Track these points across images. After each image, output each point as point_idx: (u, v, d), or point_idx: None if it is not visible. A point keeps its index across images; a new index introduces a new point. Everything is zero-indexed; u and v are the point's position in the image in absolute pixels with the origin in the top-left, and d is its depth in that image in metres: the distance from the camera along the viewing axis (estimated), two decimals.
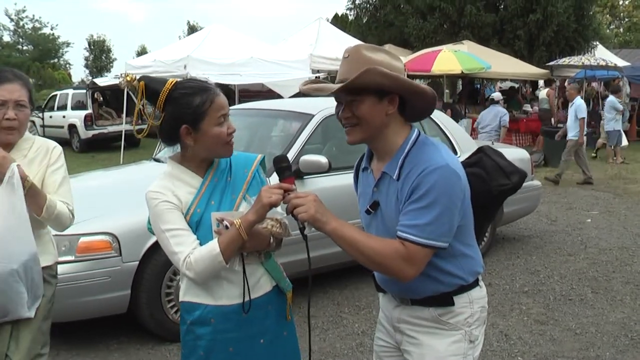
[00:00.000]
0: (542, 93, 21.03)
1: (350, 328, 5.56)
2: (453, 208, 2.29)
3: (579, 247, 8.20)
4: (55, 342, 5.23)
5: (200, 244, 2.52)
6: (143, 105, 2.62)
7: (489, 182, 2.59)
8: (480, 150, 2.74)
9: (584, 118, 13.10)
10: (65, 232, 4.74)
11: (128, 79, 2.60)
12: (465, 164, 2.62)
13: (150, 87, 2.60)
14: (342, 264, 6.11)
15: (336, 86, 2.32)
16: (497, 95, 15.63)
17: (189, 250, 2.49)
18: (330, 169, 5.73)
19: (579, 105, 13.26)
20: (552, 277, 6.97)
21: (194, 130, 2.53)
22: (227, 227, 2.50)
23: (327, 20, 24.35)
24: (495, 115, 14.18)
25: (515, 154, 8.59)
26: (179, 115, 2.54)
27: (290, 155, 5.92)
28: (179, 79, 2.67)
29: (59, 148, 3.46)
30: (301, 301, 6.16)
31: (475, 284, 2.52)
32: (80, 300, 4.79)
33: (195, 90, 2.54)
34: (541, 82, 22.90)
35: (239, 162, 2.75)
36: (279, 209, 2.74)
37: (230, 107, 2.66)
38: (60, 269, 4.67)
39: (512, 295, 6.35)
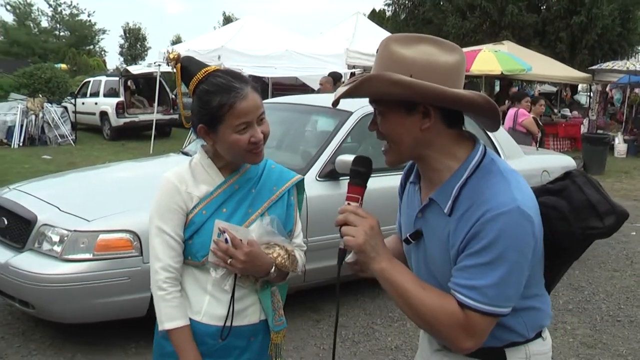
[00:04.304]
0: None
1: (383, 342, 5.20)
2: (523, 263, 1.79)
3: (624, 262, 7.75)
4: (71, 344, 5.00)
5: (195, 249, 2.24)
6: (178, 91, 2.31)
7: (574, 222, 1.96)
8: (568, 175, 2.09)
9: None
10: (85, 229, 4.53)
11: (171, 57, 2.25)
12: (546, 190, 2.07)
13: (188, 70, 2.29)
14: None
15: (339, 92, 1.89)
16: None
17: (168, 269, 2.23)
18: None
19: None
20: (597, 294, 6.54)
21: (212, 132, 2.22)
22: (226, 240, 2.17)
23: (365, 16, 23.94)
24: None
25: (560, 161, 8.18)
26: (197, 113, 2.24)
27: (326, 155, 5.60)
28: (216, 68, 2.31)
29: None
30: (331, 308, 5.93)
31: (538, 335, 2.03)
32: (98, 302, 4.50)
33: (219, 89, 2.17)
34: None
35: (272, 176, 2.41)
36: (299, 239, 2.44)
37: (264, 101, 2.28)
38: (78, 267, 4.46)
39: (556, 313, 5.93)
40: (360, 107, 5.89)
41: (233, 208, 2.29)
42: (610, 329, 5.63)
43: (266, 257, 2.24)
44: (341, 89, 1.92)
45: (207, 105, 2.18)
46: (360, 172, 1.98)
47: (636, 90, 21.85)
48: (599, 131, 19.32)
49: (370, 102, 1.94)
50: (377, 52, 1.91)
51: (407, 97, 1.80)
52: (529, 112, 10.86)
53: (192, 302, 2.29)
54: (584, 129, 19.24)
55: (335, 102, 2.00)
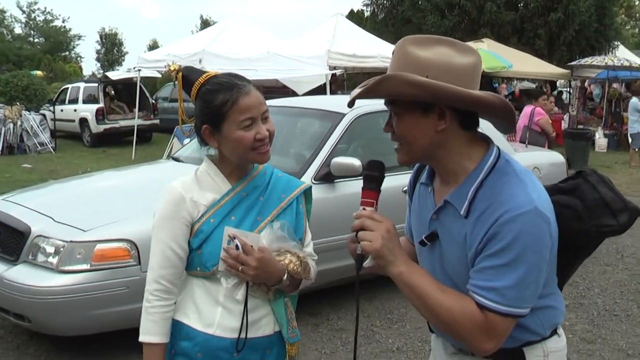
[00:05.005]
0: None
1: (384, 344, 5.16)
2: (541, 263, 1.79)
3: (615, 256, 7.79)
4: (67, 357, 4.91)
5: (204, 259, 2.19)
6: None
7: (588, 220, 1.98)
8: (580, 174, 2.11)
9: None
10: (81, 239, 4.45)
11: (172, 68, 2.22)
12: (559, 189, 2.09)
13: (189, 78, 2.26)
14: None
15: (355, 92, 1.89)
16: None
17: (159, 280, 2.20)
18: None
19: None
20: (592, 289, 6.56)
21: (216, 132, 2.18)
22: (237, 247, 2.12)
23: (343, 17, 23.94)
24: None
25: (549, 158, 8.20)
26: (200, 114, 2.21)
27: (320, 157, 5.55)
28: (217, 72, 2.29)
29: None
30: (329, 312, 5.89)
31: (553, 333, 2.02)
32: (95, 313, 4.41)
33: (221, 87, 2.16)
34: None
35: (279, 184, 2.36)
36: (309, 248, 2.40)
37: None
38: (75, 278, 4.38)
39: None
40: (353, 108, 5.85)
41: (242, 216, 2.24)
42: (608, 324, 5.65)
43: (278, 264, 2.20)
44: (357, 90, 1.93)
45: (210, 104, 2.16)
46: (374, 177, 1.97)
47: (615, 85, 22.03)
48: (580, 126, 19.48)
49: (386, 103, 1.93)
50: (392, 54, 1.91)
51: (423, 98, 1.79)
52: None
53: (203, 315, 2.23)
54: (564, 125, 19.35)
55: (351, 103, 2.00)
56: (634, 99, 16.51)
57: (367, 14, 29.68)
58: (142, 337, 2.21)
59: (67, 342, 4.98)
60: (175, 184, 2.24)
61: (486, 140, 1.95)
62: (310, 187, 2.45)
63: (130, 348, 4.91)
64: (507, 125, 1.94)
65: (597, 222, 1.98)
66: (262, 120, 2.18)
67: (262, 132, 2.16)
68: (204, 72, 2.26)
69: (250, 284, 2.21)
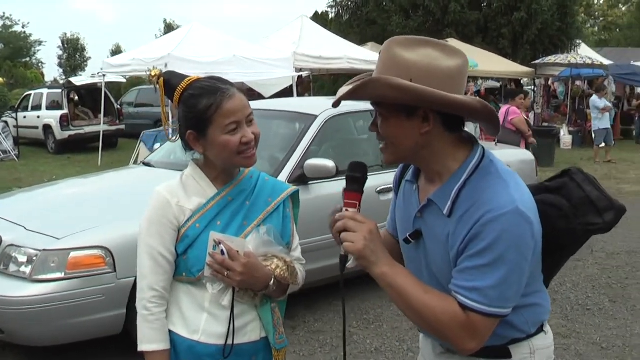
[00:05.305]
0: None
1: (362, 345, 5.17)
2: (523, 263, 1.79)
3: (585, 251, 7.88)
4: None
5: (190, 264, 2.15)
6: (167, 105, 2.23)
7: (574, 219, 1.98)
8: (566, 173, 2.10)
9: None
10: (55, 247, 4.38)
11: (153, 74, 2.17)
12: (545, 188, 2.09)
13: (171, 83, 2.22)
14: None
15: (340, 94, 1.90)
16: None
17: (155, 287, 2.16)
18: (338, 174, 5.33)
19: None
20: (564, 284, 6.64)
21: (201, 137, 2.15)
22: (222, 252, 2.09)
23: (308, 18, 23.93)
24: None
25: (519, 155, 8.29)
26: (184, 120, 2.17)
27: (294, 160, 5.54)
28: (199, 76, 2.26)
29: None
30: (306, 314, 5.87)
31: (540, 330, 2.03)
32: (71, 322, 4.34)
33: (204, 91, 2.13)
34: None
35: (266, 187, 2.33)
36: (297, 252, 2.37)
37: None
38: (50, 287, 4.30)
39: None
40: (325, 109, 5.85)
41: (228, 220, 2.21)
42: (582, 318, 5.73)
43: (265, 269, 2.17)
44: (342, 90, 1.93)
45: (194, 109, 2.12)
46: (357, 178, 1.97)
47: (578, 82, 22.39)
48: (545, 124, 19.76)
49: (372, 104, 1.93)
50: (379, 54, 1.91)
51: (406, 102, 1.80)
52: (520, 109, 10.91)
53: (188, 321, 2.19)
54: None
55: (337, 103, 1.99)
56: (594, 97, 16.83)
57: (331, 15, 29.67)
58: (145, 347, 2.16)
59: (43, 352, 4.90)
60: (161, 189, 2.21)
61: (472, 141, 1.96)
62: (298, 190, 2.43)
63: (103, 358, 4.87)
64: (491, 128, 1.94)
65: (583, 221, 1.98)
66: (247, 124, 2.15)
67: (247, 136, 2.13)
68: (186, 77, 2.22)
69: (237, 290, 2.18)
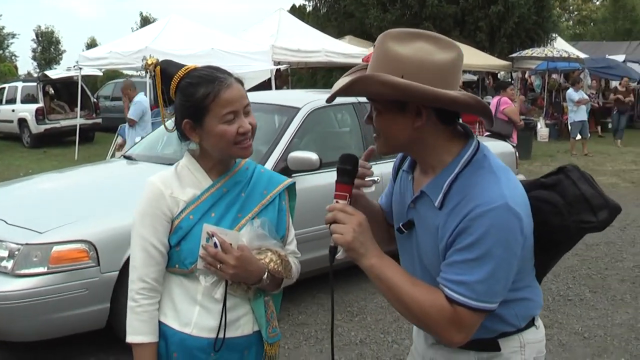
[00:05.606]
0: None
1: (347, 337, 5.17)
2: (511, 259, 1.80)
3: None
4: None
5: (183, 256, 2.13)
6: (163, 94, 2.20)
7: (568, 216, 1.97)
8: (561, 170, 2.08)
9: None
10: (37, 241, 4.32)
11: (149, 62, 2.14)
12: (540, 184, 2.08)
13: (167, 72, 2.19)
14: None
15: (333, 90, 1.90)
16: None
17: (144, 279, 2.14)
18: (321, 166, 5.33)
19: None
20: (545, 275, 6.69)
21: (197, 126, 2.12)
22: (215, 245, 2.07)
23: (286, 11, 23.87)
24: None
25: (498, 147, 8.31)
26: (180, 108, 2.14)
27: (277, 152, 5.52)
28: (197, 65, 2.22)
29: None
30: (290, 307, 5.86)
31: (530, 324, 2.04)
32: (55, 317, 4.29)
33: (202, 80, 2.10)
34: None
35: (262, 179, 2.31)
36: (293, 245, 2.36)
37: None
38: (33, 282, 4.24)
39: None
40: (308, 102, 5.83)
41: (222, 212, 2.18)
42: (564, 309, 5.79)
43: (258, 262, 2.15)
44: (337, 86, 1.93)
45: (191, 97, 2.10)
46: (347, 170, 1.98)
47: (554, 76, 22.59)
48: (522, 117, 19.88)
49: (367, 98, 1.94)
50: (373, 47, 1.91)
51: (398, 98, 1.79)
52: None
53: (180, 314, 2.17)
54: None
55: (331, 99, 1.98)
56: (569, 90, 17.01)
57: (309, 8, 29.62)
58: (132, 338, 2.15)
59: (26, 347, 4.85)
60: (155, 179, 2.18)
61: (467, 134, 1.96)
62: (294, 183, 2.40)
63: (87, 353, 4.84)
64: (485, 122, 1.94)
65: (577, 218, 1.98)
66: (244, 114, 2.13)
67: (244, 126, 2.11)
68: (183, 65, 2.19)
69: (230, 283, 2.16)
